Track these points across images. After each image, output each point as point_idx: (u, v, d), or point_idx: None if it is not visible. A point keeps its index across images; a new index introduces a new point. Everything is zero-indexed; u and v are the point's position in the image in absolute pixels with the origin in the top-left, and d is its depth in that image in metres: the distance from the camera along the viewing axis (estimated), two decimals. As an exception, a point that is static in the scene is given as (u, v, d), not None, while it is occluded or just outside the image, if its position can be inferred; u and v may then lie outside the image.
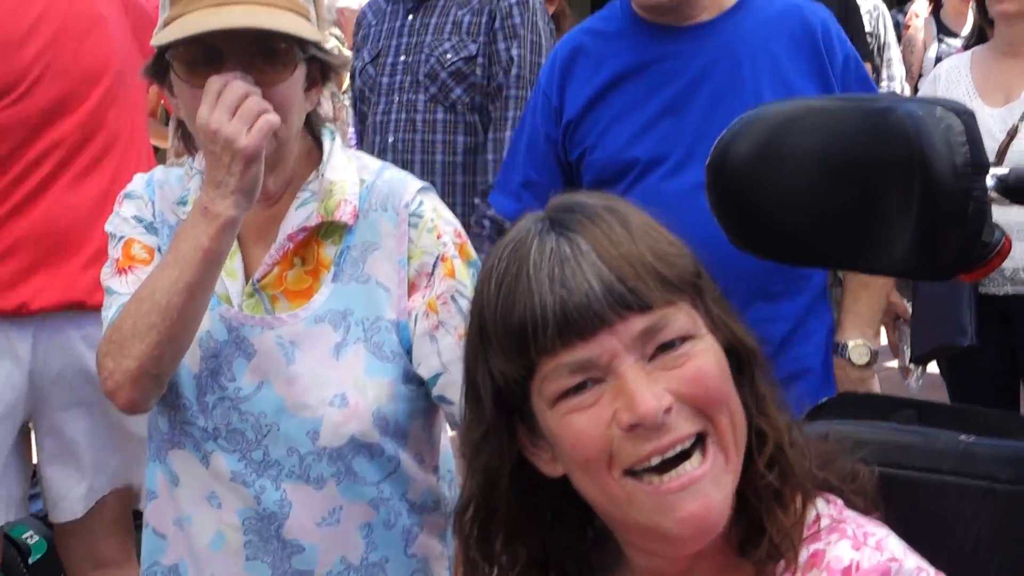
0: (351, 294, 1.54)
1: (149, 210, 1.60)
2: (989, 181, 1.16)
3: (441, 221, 1.58)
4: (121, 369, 1.47)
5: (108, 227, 1.64)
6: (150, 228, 1.60)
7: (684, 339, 1.00)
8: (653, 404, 0.95)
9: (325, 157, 1.56)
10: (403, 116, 2.84)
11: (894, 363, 4.89)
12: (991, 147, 2.83)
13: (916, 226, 1.14)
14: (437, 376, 1.55)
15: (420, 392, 1.58)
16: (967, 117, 1.12)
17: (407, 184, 1.59)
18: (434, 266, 1.55)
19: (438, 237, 1.55)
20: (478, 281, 1.05)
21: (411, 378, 1.56)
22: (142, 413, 1.62)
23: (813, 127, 1.22)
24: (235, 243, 1.52)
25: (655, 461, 0.97)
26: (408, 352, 1.55)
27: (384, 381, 1.53)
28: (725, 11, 2.14)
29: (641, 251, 0.98)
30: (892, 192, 1.15)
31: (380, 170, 1.61)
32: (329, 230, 1.55)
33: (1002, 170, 1.22)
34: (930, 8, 5.97)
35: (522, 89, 2.92)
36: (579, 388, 0.98)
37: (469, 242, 1.62)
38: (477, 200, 3.03)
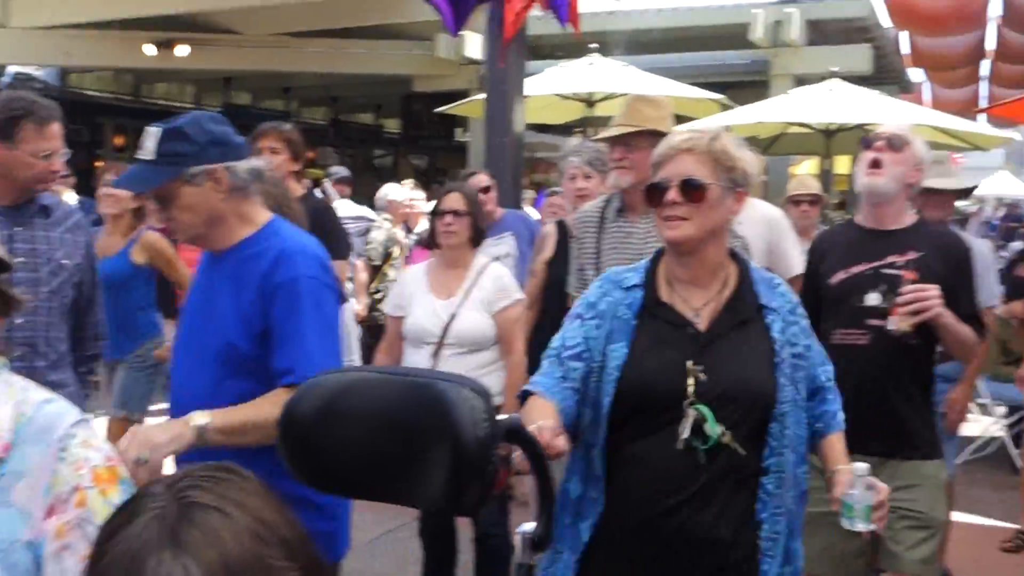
0: None
1: None
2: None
3: (91, 451, 1.67)
4: None
5: None
6: None
7: None
8: None
9: None
10: None
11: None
12: (439, 325, 4.17)
13: (448, 477, 1.45)
14: None
15: None
16: (488, 399, 1.44)
17: (64, 418, 1.67)
18: (69, 495, 1.64)
19: (77, 470, 1.65)
20: (94, 554, 1.08)
21: None
22: None
23: (369, 392, 1.49)
24: None
25: None
26: (40, 568, 1.64)
27: None
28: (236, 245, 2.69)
29: None
30: (430, 450, 1.44)
31: (41, 404, 1.69)
32: None
33: (502, 417, 1.56)
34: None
35: None
36: None
37: (117, 471, 1.69)
38: None
